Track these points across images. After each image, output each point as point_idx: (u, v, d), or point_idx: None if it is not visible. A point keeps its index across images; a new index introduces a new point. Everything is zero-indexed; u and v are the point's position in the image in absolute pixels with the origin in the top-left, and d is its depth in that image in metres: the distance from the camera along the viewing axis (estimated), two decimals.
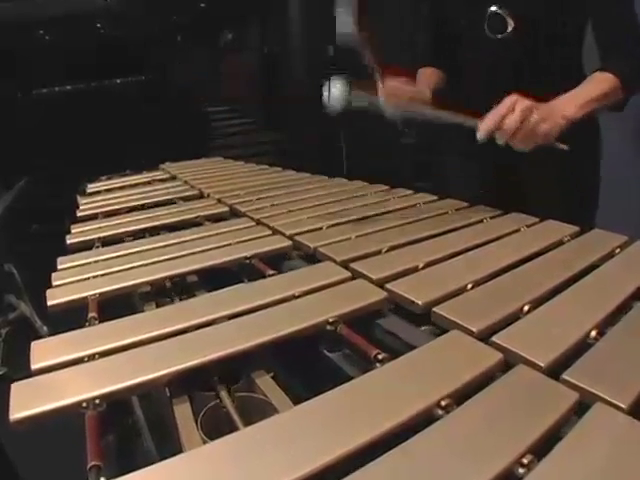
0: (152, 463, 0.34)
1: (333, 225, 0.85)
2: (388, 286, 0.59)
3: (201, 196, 1.18)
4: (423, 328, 0.55)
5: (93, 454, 0.36)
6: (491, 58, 1.03)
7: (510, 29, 0.96)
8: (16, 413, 0.40)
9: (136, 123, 5.04)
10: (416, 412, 0.37)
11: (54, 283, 0.68)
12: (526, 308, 0.52)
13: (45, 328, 2.00)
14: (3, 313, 2.11)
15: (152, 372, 0.45)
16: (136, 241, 0.87)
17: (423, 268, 0.64)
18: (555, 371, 0.42)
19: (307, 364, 0.59)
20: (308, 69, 5.14)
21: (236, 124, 7.09)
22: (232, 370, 0.49)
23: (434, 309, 0.53)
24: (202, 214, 0.99)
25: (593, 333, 0.46)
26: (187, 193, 1.20)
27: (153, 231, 0.93)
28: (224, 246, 0.78)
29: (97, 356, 0.49)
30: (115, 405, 0.44)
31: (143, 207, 1.10)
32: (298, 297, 0.58)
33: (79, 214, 1.09)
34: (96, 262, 0.76)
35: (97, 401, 0.42)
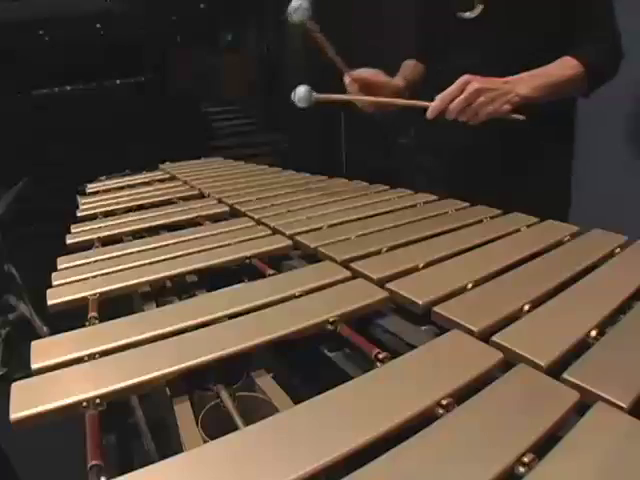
0: (152, 463, 0.34)
1: (333, 225, 0.85)
2: (388, 286, 0.59)
3: (201, 196, 1.18)
4: (424, 328, 0.55)
5: (93, 454, 0.36)
6: (460, 39, 1.04)
7: (478, 9, 0.98)
8: (16, 413, 0.40)
9: (136, 123, 5.05)
10: (417, 411, 0.37)
11: (54, 283, 0.68)
12: (526, 308, 0.52)
13: (45, 328, 2.00)
14: (3, 313, 2.11)
15: (152, 372, 0.45)
16: (136, 241, 0.87)
17: (423, 268, 0.64)
18: (555, 370, 0.42)
19: (307, 364, 0.59)
20: (307, 68, 5.14)
21: (236, 124, 7.10)
22: (232, 370, 0.49)
23: (434, 309, 0.53)
24: (202, 214, 0.99)
25: (593, 333, 0.46)
26: (187, 193, 1.20)
27: (153, 231, 0.93)
28: (224, 246, 0.78)
29: (97, 356, 0.49)
30: (115, 405, 0.44)
31: (143, 207, 1.10)
32: (298, 297, 0.58)
33: (79, 214, 1.09)
34: (96, 262, 0.76)
35: (97, 401, 0.42)
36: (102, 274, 0.70)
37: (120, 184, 1.37)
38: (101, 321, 0.57)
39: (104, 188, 1.35)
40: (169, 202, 1.13)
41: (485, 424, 0.36)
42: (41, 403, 0.41)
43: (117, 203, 1.14)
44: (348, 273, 0.64)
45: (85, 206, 1.15)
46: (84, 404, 0.41)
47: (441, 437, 0.35)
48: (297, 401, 0.41)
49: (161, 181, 1.39)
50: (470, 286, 0.57)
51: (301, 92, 0.94)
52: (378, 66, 1.11)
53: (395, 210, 0.92)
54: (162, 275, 0.69)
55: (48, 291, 0.65)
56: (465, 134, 0.86)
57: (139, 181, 1.41)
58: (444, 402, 0.38)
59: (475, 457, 0.33)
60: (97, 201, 1.18)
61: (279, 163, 1.48)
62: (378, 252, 0.71)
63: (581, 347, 0.45)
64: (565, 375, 0.40)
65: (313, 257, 0.74)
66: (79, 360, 0.48)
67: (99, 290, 0.64)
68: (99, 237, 0.90)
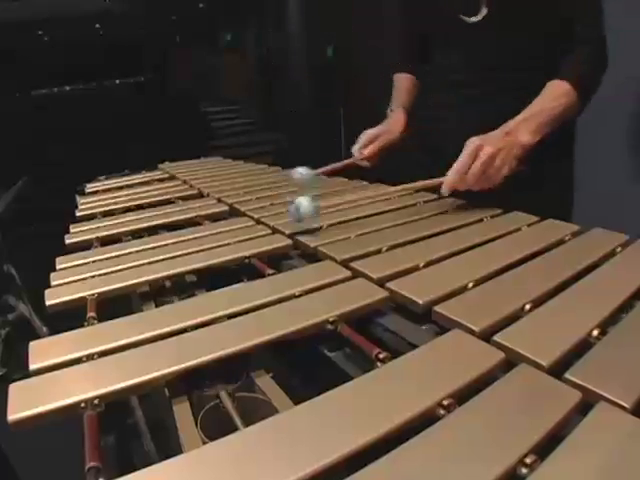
0: (152, 464, 0.34)
1: (333, 224, 0.84)
2: (389, 285, 0.58)
3: (200, 195, 1.18)
4: (424, 327, 0.54)
5: (91, 455, 0.36)
6: (465, 43, 1.03)
7: (483, 13, 0.96)
8: (14, 414, 0.40)
9: (135, 123, 5.05)
10: (418, 412, 0.37)
11: (53, 283, 0.68)
12: (527, 307, 0.51)
13: (45, 328, 2.00)
14: (3, 313, 2.11)
15: (151, 372, 0.44)
16: (135, 241, 0.87)
17: (424, 267, 0.64)
18: (557, 370, 0.41)
19: (307, 364, 0.59)
20: (307, 68, 5.14)
21: (235, 124, 7.09)
22: (232, 370, 0.48)
23: (435, 308, 0.52)
24: (201, 213, 0.99)
25: (595, 332, 0.46)
26: (186, 193, 1.20)
27: (152, 231, 0.93)
28: (223, 245, 0.78)
29: (96, 356, 0.48)
30: (114, 405, 0.43)
31: (142, 207, 1.10)
32: (298, 296, 0.58)
33: (78, 214, 1.09)
34: (95, 262, 0.75)
35: (96, 401, 0.41)
36: (101, 274, 0.69)
37: (119, 184, 1.37)
38: (100, 321, 0.57)
39: (103, 188, 1.34)
40: (168, 202, 1.13)
41: (486, 425, 0.35)
42: (39, 404, 0.41)
43: (116, 203, 1.13)
44: (348, 273, 0.63)
45: (84, 206, 1.14)
46: (82, 405, 0.41)
47: (442, 438, 0.35)
48: (297, 401, 0.41)
49: (160, 181, 1.39)
50: (471, 285, 0.57)
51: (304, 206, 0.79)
52: (378, 66, 1.11)
53: (395, 209, 0.91)
54: (161, 275, 0.69)
55: (46, 291, 0.64)
56: (467, 134, 0.83)
57: (138, 181, 1.40)
58: (445, 402, 0.38)
59: (477, 458, 0.33)
60: (96, 201, 1.18)
61: (279, 163, 1.48)
62: (378, 251, 0.70)
63: (583, 347, 0.44)
64: (567, 375, 0.40)
65: (313, 257, 0.74)
66: (77, 361, 0.48)
67: (98, 290, 0.64)
68: (98, 237, 0.89)
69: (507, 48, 0.98)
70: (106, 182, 1.41)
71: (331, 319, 0.52)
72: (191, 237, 0.84)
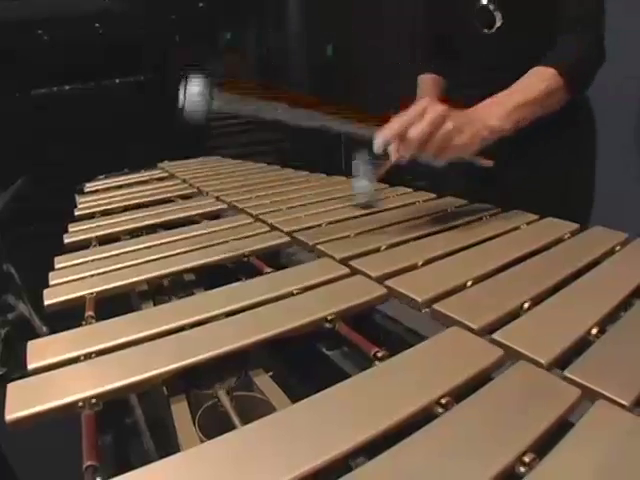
0: (149, 462, 0.33)
1: (332, 222, 0.84)
2: (387, 283, 0.58)
3: (199, 194, 1.17)
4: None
5: (89, 454, 0.36)
6: (481, 54, 1.02)
7: (498, 24, 0.95)
8: (12, 413, 0.40)
9: (134, 122, 5.04)
10: (416, 410, 0.37)
11: (51, 282, 0.68)
12: (527, 305, 0.51)
13: (44, 328, 1.99)
14: (2, 313, 2.11)
15: (149, 371, 0.44)
16: (133, 239, 0.86)
17: (423, 265, 0.64)
18: (556, 368, 0.41)
19: (305, 362, 0.59)
20: (307, 68, 5.14)
21: (235, 123, 7.08)
22: (230, 368, 0.48)
23: (434, 306, 0.52)
24: (200, 212, 0.99)
25: (594, 330, 0.46)
26: (185, 191, 1.20)
27: (151, 229, 0.93)
28: (222, 243, 0.78)
29: (94, 355, 0.48)
30: (112, 404, 0.43)
31: (141, 205, 1.10)
32: (296, 294, 0.58)
33: (77, 213, 1.09)
34: (93, 261, 0.75)
35: (93, 400, 0.41)
36: (99, 273, 0.69)
37: (119, 183, 1.37)
38: (98, 320, 0.57)
39: (102, 187, 1.34)
40: (167, 200, 1.13)
41: (485, 422, 0.35)
42: (37, 403, 0.41)
43: (115, 202, 1.13)
44: (347, 270, 0.63)
45: (83, 205, 1.14)
46: (80, 404, 0.41)
47: (440, 436, 0.35)
48: (295, 400, 0.41)
49: (160, 180, 1.39)
50: (470, 283, 0.57)
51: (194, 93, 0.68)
52: (378, 65, 1.10)
53: (394, 208, 0.91)
54: (160, 273, 0.69)
55: (45, 291, 0.64)
56: None
57: (138, 180, 1.40)
58: (443, 400, 0.38)
59: (475, 456, 0.32)
60: (95, 200, 1.18)
61: (278, 161, 1.48)
62: (377, 250, 0.70)
63: (582, 344, 0.44)
64: (566, 373, 0.40)
65: (312, 254, 0.74)
66: (75, 360, 0.48)
67: (96, 289, 0.64)
68: (97, 236, 0.89)
69: (514, 50, 0.98)
70: (105, 181, 1.41)
71: (329, 317, 0.52)
72: (190, 235, 0.84)
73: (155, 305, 0.66)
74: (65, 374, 0.45)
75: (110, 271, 0.70)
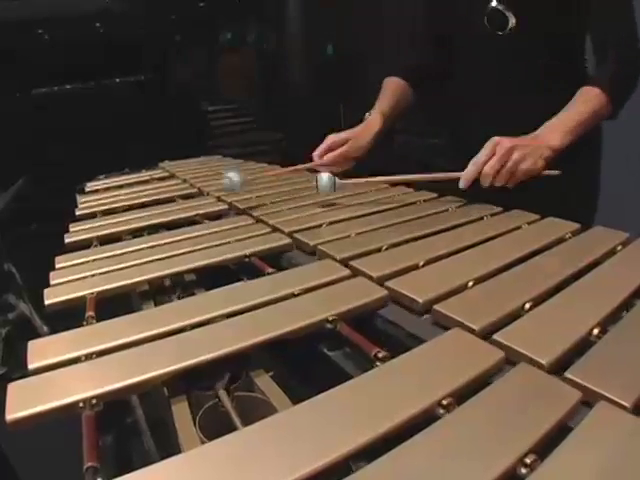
0: (150, 463, 0.33)
1: (333, 223, 0.84)
2: (388, 284, 0.58)
3: (200, 194, 1.17)
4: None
5: (89, 455, 0.36)
6: (491, 56, 1.02)
7: (511, 25, 0.95)
8: (12, 413, 0.40)
9: (135, 122, 5.04)
10: (417, 411, 0.37)
11: (52, 282, 0.68)
12: (527, 306, 0.51)
13: (45, 328, 1.99)
14: (3, 312, 2.11)
15: (150, 371, 0.44)
16: (134, 239, 0.86)
17: (423, 266, 0.64)
18: (557, 369, 0.41)
19: (307, 363, 0.59)
20: (307, 67, 5.14)
21: (235, 123, 7.09)
22: (231, 369, 0.48)
23: (435, 307, 0.52)
24: (201, 212, 0.99)
25: (595, 331, 0.46)
26: (186, 191, 1.20)
27: (152, 229, 0.93)
28: (223, 244, 0.78)
29: (94, 355, 0.48)
30: (113, 405, 0.43)
31: (142, 205, 1.10)
32: (297, 295, 0.58)
33: (78, 213, 1.09)
34: (94, 261, 0.75)
35: (94, 401, 0.41)
36: (100, 273, 0.69)
37: (119, 182, 1.36)
38: (99, 320, 0.57)
39: (103, 187, 1.34)
40: (168, 200, 1.13)
41: (486, 424, 0.35)
42: (37, 404, 0.40)
43: (116, 202, 1.13)
44: (348, 271, 0.63)
45: (84, 205, 1.14)
46: (81, 404, 0.41)
47: (441, 437, 0.34)
48: (296, 401, 0.41)
49: (160, 179, 1.39)
50: (471, 284, 0.57)
51: (324, 180, 0.92)
52: (378, 65, 1.10)
53: (395, 208, 0.91)
54: (161, 274, 0.69)
55: (45, 291, 0.64)
56: (486, 135, 0.82)
57: (138, 179, 1.40)
58: (445, 402, 0.37)
59: (476, 458, 0.32)
60: (96, 200, 1.18)
61: (278, 161, 1.48)
62: (378, 250, 0.70)
63: (583, 345, 0.44)
64: (567, 374, 0.40)
65: (312, 255, 0.74)
66: (76, 360, 0.48)
67: (97, 289, 0.64)
68: (98, 236, 0.89)
69: (521, 51, 0.98)
70: (106, 181, 1.41)
71: (330, 318, 0.52)
72: (191, 236, 0.84)
73: (156, 305, 0.66)
74: (66, 374, 0.45)
75: (111, 271, 0.70)
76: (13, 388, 0.43)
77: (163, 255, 0.74)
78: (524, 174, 0.81)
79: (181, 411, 0.44)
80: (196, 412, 0.44)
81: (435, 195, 0.97)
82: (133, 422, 0.70)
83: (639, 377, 0.39)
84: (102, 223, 0.97)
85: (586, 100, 0.88)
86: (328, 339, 0.54)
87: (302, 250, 0.76)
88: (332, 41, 4.97)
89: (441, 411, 0.37)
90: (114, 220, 0.98)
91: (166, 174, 1.45)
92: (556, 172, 0.85)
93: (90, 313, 0.58)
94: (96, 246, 0.85)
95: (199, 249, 0.76)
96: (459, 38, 1.07)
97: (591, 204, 1.08)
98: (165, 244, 0.80)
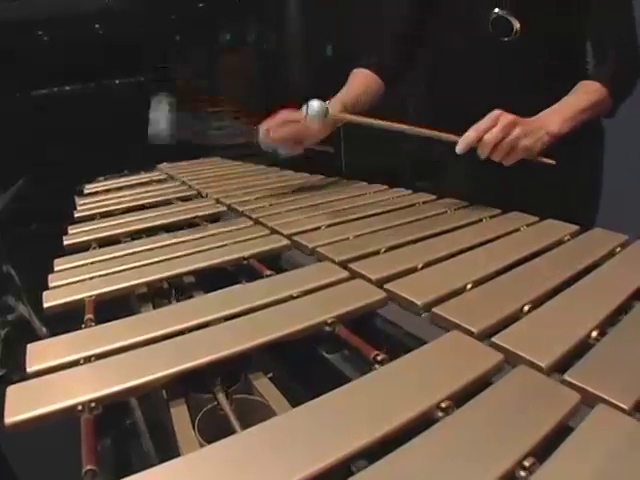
0: (149, 467, 0.33)
1: (331, 225, 0.84)
2: (387, 286, 0.58)
3: (199, 196, 1.17)
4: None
5: (88, 458, 0.36)
6: (491, 56, 1.02)
7: (515, 30, 0.96)
8: (11, 417, 0.40)
9: (134, 123, 5.04)
10: (416, 414, 0.37)
11: (50, 285, 0.68)
12: (526, 308, 0.51)
13: (44, 329, 1.99)
14: (2, 314, 2.11)
15: (149, 374, 0.44)
16: (133, 242, 0.86)
17: (422, 268, 0.64)
18: (556, 372, 0.41)
19: (305, 366, 0.59)
20: (307, 68, 5.14)
21: (235, 123, 7.07)
22: (230, 372, 0.48)
23: (434, 309, 0.52)
24: (200, 214, 0.99)
25: (594, 333, 0.46)
26: (185, 193, 1.19)
27: (151, 232, 0.93)
28: (222, 246, 0.78)
29: (93, 358, 0.48)
30: (111, 408, 0.43)
31: (141, 208, 1.10)
32: (296, 298, 0.58)
33: (76, 215, 1.09)
34: (93, 263, 0.75)
35: (93, 404, 0.41)
36: (99, 275, 0.69)
37: (118, 184, 1.36)
38: (98, 323, 0.57)
39: (102, 189, 1.34)
40: (167, 202, 1.13)
41: (485, 427, 0.35)
42: (36, 407, 0.40)
43: (115, 204, 1.13)
44: (346, 273, 0.63)
45: (82, 207, 1.14)
46: (80, 408, 0.41)
47: (440, 440, 0.34)
48: (295, 404, 0.41)
49: (159, 181, 1.39)
50: (469, 286, 0.57)
51: (315, 107, 0.89)
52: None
53: (394, 210, 0.91)
54: (159, 276, 0.69)
55: (44, 293, 0.64)
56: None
57: (137, 181, 1.40)
58: (443, 405, 0.37)
59: (475, 461, 0.32)
60: (95, 202, 1.18)
61: (277, 163, 1.48)
62: (377, 252, 0.70)
63: (582, 348, 0.44)
64: (566, 376, 0.40)
65: (311, 257, 0.74)
66: (75, 363, 0.48)
67: (96, 292, 0.64)
68: (96, 238, 0.89)
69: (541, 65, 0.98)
70: (105, 183, 1.41)
71: (329, 320, 0.52)
72: (189, 238, 0.84)
73: (155, 308, 0.66)
74: (65, 377, 0.45)
75: (110, 274, 0.70)
76: (12, 391, 0.43)
77: (162, 257, 0.74)
78: (523, 151, 0.80)
79: (180, 414, 0.44)
80: (195, 415, 0.44)
81: (434, 197, 0.97)
82: (132, 424, 0.70)
83: (638, 379, 0.39)
84: (101, 225, 0.97)
85: (587, 92, 0.89)
86: (327, 342, 0.54)
87: (301, 252, 0.76)
88: (332, 42, 4.96)
89: (440, 414, 0.37)
90: (113, 222, 0.98)
91: (165, 176, 1.44)
92: (551, 161, 0.84)
93: (89, 316, 0.58)
94: (95, 248, 0.85)
95: (198, 251, 0.76)
96: (459, 39, 1.07)
97: (592, 205, 1.08)
98: (164, 246, 0.80)
